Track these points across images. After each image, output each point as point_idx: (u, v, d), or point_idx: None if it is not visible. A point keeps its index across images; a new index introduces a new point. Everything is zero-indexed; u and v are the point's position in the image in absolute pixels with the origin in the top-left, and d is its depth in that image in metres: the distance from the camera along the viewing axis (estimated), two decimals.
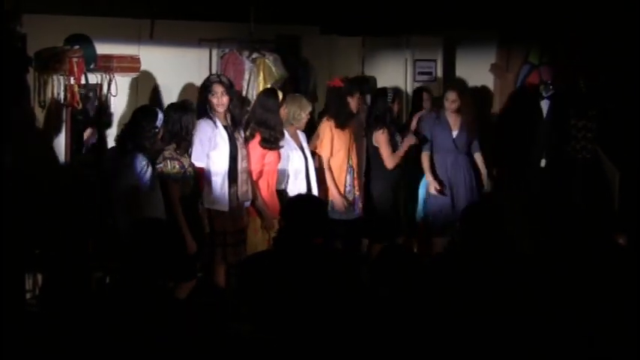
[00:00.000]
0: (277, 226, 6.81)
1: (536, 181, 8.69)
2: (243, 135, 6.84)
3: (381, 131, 7.66)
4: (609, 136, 8.35)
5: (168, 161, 6.37)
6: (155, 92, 7.41)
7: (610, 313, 4.43)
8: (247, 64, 7.69)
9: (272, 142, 6.87)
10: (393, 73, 9.02)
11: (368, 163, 7.79)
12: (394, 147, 7.68)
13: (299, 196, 5.47)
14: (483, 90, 9.27)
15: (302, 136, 7.24)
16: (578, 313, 4.41)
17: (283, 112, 7.05)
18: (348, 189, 7.45)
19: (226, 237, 6.71)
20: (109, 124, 7.17)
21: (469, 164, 8.11)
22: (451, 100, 8.04)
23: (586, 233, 4.76)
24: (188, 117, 6.47)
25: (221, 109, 6.70)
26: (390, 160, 7.67)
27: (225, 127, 6.72)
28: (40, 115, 6.87)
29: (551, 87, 8.74)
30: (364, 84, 8.20)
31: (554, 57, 8.96)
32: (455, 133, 8.04)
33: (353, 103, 7.49)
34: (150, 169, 6.21)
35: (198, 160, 6.58)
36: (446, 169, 7.99)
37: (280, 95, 7.26)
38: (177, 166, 6.39)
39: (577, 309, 4.43)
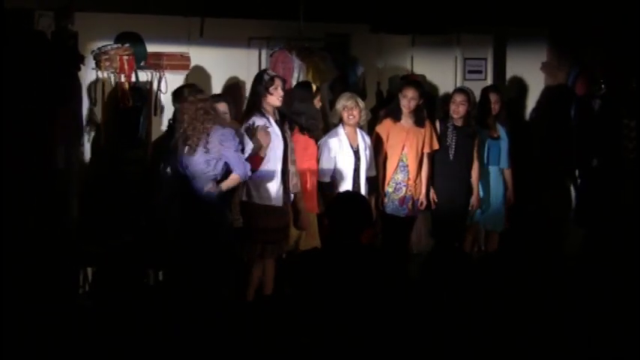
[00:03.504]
0: (311, 225, 6.89)
1: (587, 182, 8.60)
2: (288, 128, 6.81)
3: None
4: None
5: None
6: (205, 90, 7.43)
7: None
8: (296, 62, 7.69)
9: (310, 129, 6.93)
10: (443, 71, 8.99)
11: None
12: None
13: (341, 195, 5.41)
14: (534, 89, 9.18)
15: (361, 136, 7.19)
16: (624, 312, 4.37)
17: (318, 103, 7.14)
18: (396, 187, 7.42)
19: (267, 234, 6.64)
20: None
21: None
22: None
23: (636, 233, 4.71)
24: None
25: (279, 104, 6.69)
26: None
27: (276, 122, 6.69)
28: (90, 112, 6.95)
29: (603, 86, 8.61)
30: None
31: (605, 56, 8.83)
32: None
33: (403, 100, 7.42)
34: (198, 157, 6.22)
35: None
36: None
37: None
38: None
39: (624, 309, 4.39)
